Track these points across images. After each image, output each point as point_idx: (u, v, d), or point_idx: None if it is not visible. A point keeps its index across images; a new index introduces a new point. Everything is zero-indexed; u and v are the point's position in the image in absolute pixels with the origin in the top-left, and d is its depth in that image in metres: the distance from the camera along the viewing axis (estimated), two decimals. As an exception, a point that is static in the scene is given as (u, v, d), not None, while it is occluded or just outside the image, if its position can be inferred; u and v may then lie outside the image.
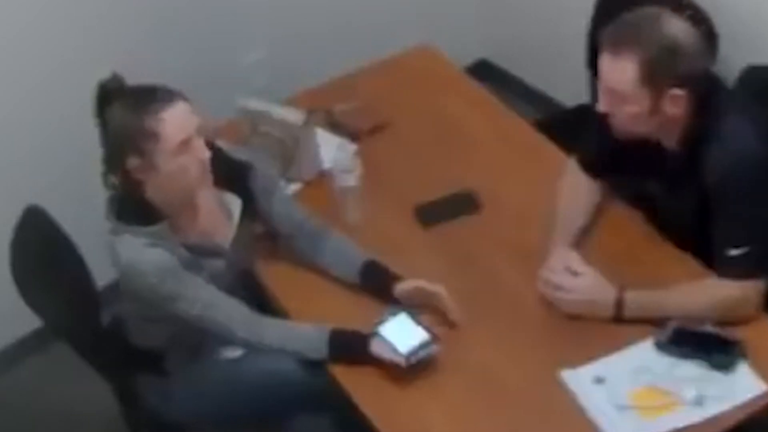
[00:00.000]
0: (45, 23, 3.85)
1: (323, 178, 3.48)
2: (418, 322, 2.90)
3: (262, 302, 3.18)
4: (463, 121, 3.70)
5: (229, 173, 3.05)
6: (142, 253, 2.84)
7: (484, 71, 5.09)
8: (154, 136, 2.78)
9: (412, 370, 2.87)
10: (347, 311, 3.08)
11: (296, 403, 3.05)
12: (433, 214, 3.35)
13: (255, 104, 3.51)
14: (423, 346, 2.86)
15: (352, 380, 2.90)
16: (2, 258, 3.02)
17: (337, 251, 3.17)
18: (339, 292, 3.14)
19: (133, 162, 2.82)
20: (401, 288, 3.05)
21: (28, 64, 3.82)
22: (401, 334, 2.88)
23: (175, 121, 2.80)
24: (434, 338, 2.87)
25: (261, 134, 3.49)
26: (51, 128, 3.89)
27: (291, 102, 3.65)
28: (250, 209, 3.12)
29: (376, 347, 2.89)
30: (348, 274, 3.14)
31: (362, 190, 3.33)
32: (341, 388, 2.89)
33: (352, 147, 3.57)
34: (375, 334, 2.90)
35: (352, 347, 2.93)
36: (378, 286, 3.09)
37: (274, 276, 3.22)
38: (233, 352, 3.12)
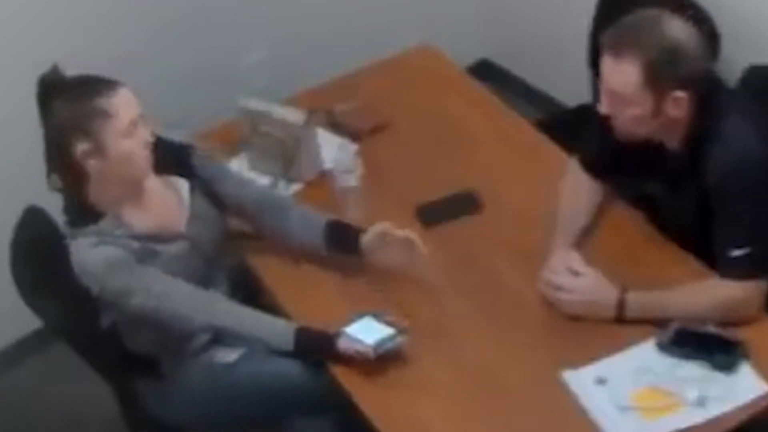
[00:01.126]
0: (45, 23, 3.84)
1: (324, 178, 3.48)
2: (384, 322, 2.90)
3: (253, 298, 3.19)
4: (464, 121, 3.69)
5: (170, 157, 3.06)
6: (88, 254, 2.87)
7: (485, 71, 5.08)
8: (104, 114, 2.81)
9: (410, 370, 2.89)
10: (343, 308, 3.05)
11: (296, 405, 3.05)
12: (434, 214, 3.34)
13: (255, 104, 3.51)
14: (390, 338, 2.87)
15: (352, 381, 2.89)
16: (2, 258, 3.01)
17: (301, 220, 3.18)
18: (335, 289, 3.14)
19: (81, 147, 2.83)
20: (367, 238, 3.07)
21: (28, 64, 3.79)
22: (367, 331, 2.89)
23: (124, 102, 2.84)
24: (401, 331, 2.88)
25: (261, 134, 3.49)
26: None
27: (291, 102, 3.64)
28: (199, 188, 3.12)
29: (343, 344, 2.89)
30: (314, 239, 3.14)
31: (363, 190, 3.33)
32: (341, 389, 2.89)
33: (352, 147, 3.56)
34: (341, 333, 2.90)
35: (318, 345, 2.93)
36: (344, 244, 3.10)
37: (270, 273, 3.22)
38: (229, 356, 3.11)
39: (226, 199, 3.17)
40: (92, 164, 2.86)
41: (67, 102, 2.83)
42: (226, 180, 3.20)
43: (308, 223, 3.17)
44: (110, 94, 2.82)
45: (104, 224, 2.90)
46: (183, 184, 3.10)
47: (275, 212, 3.20)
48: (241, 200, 3.19)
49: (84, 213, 2.92)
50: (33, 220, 3.10)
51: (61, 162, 2.89)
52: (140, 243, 2.92)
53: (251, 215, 3.22)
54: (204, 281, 3.07)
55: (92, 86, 2.84)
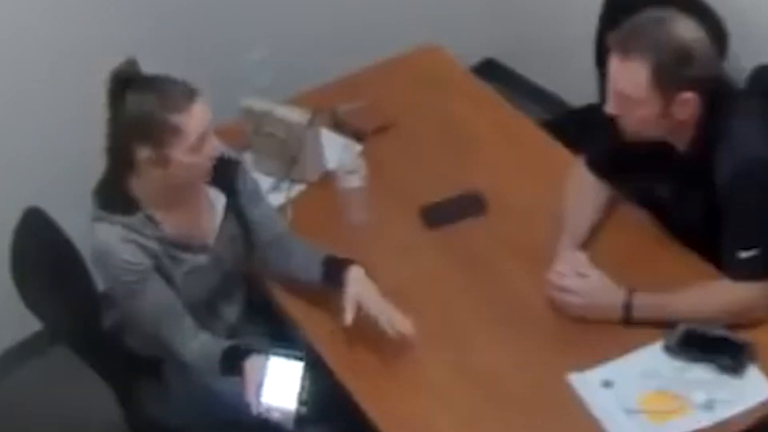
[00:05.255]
0: (45, 23, 3.84)
1: (328, 178, 3.46)
2: (304, 383, 2.74)
3: (262, 307, 3.19)
4: (469, 121, 3.68)
5: (219, 169, 3.00)
6: (114, 248, 2.82)
7: (491, 71, 5.07)
8: (178, 131, 2.74)
9: (415, 373, 2.87)
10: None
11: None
12: (438, 215, 3.32)
13: (258, 104, 3.49)
14: (282, 412, 2.73)
15: (356, 385, 2.87)
16: (2, 260, 3.00)
17: (303, 260, 3.11)
18: (339, 294, 3.07)
19: (144, 152, 2.77)
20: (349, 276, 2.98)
21: (28, 64, 3.81)
22: (280, 381, 2.75)
23: (198, 117, 2.77)
24: (298, 412, 2.72)
25: (264, 135, 3.47)
26: (51, 129, 3.87)
27: (295, 102, 3.62)
28: (234, 205, 3.08)
29: (249, 368, 2.81)
30: (311, 279, 3.08)
31: (367, 190, 3.30)
32: (346, 394, 2.87)
33: (356, 147, 3.54)
34: (266, 356, 2.80)
35: (233, 359, 2.87)
36: (335, 278, 3.01)
37: (279, 284, 3.18)
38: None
39: (249, 223, 3.13)
40: (149, 168, 2.81)
41: (143, 103, 2.74)
42: (257, 206, 3.15)
43: (307, 262, 3.10)
44: (187, 108, 2.75)
45: (135, 219, 2.86)
46: (220, 198, 3.06)
47: (283, 254, 3.15)
48: (261, 232, 3.14)
49: (119, 200, 2.87)
50: (33, 222, 3.08)
51: (117, 154, 2.83)
52: (164, 247, 2.89)
53: (261, 247, 3.16)
54: (220, 293, 3.07)
55: (170, 96, 2.75)
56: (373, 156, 3.46)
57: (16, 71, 3.81)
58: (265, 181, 3.42)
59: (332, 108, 3.70)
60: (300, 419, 2.73)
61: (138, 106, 2.75)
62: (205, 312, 3.03)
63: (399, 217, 3.33)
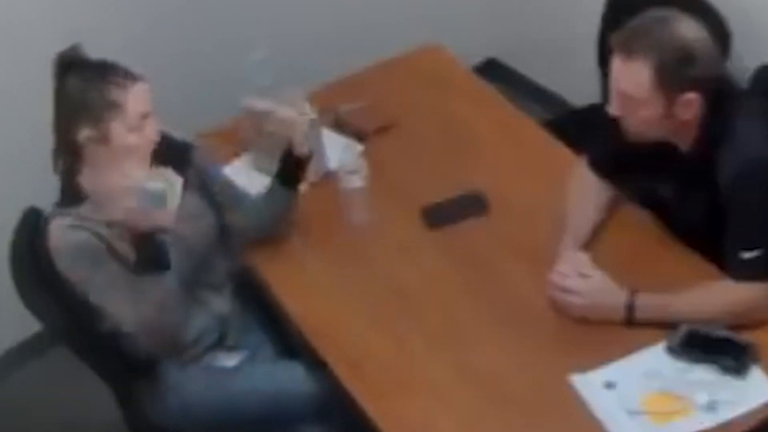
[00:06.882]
0: (45, 22, 3.84)
1: (329, 179, 3.45)
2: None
3: (257, 302, 3.19)
4: (471, 121, 3.67)
5: (170, 152, 3.02)
6: (64, 235, 2.85)
7: (492, 70, 5.07)
8: (116, 106, 2.79)
9: (416, 374, 2.86)
10: (349, 312, 3.05)
11: (297, 411, 3.03)
12: (440, 215, 3.31)
13: (260, 104, 3.48)
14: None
15: (357, 386, 2.86)
16: (2, 260, 2.99)
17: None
18: (341, 294, 3.11)
19: (86, 132, 2.81)
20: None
21: (29, 64, 3.78)
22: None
23: (138, 96, 2.83)
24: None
25: (266, 135, 3.46)
26: (51, 129, 3.86)
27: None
28: (193, 187, 3.08)
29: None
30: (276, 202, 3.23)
31: (368, 191, 3.29)
32: (346, 394, 2.86)
33: (358, 147, 3.53)
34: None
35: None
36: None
37: (273, 274, 3.20)
38: (229, 360, 3.10)
39: (216, 202, 3.15)
40: (92, 150, 2.85)
41: (82, 83, 2.81)
42: (222, 185, 3.18)
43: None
44: (127, 85, 2.81)
45: (84, 209, 2.88)
46: (178, 180, 3.06)
47: (253, 212, 3.21)
48: (228, 208, 3.17)
49: (70, 194, 2.91)
50: (33, 222, 3.07)
51: (62, 139, 2.87)
52: (114, 230, 2.88)
53: (232, 222, 3.19)
54: (199, 284, 3.07)
55: (110, 74, 2.82)
56: (375, 156, 3.45)
57: (17, 71, 3.81)
58: (266, 181, 3.41)
59: (333, 108, 3.70)
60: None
61: (79, 87, 2.81)
62: (190, 300, 3.04)
63: (400, 217, 3.32)
